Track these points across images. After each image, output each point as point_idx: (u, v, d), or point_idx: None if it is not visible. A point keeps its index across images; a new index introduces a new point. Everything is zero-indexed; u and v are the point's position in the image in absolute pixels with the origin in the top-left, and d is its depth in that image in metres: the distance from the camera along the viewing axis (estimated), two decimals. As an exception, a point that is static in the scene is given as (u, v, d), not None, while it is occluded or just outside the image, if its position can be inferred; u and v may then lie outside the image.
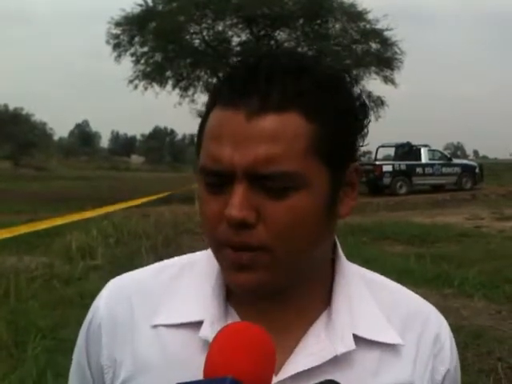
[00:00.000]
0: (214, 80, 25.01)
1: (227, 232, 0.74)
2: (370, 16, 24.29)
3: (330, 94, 0.76)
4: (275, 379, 0.77)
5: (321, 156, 0.75)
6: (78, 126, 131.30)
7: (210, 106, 0.79)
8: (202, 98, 25.83)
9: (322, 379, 0.74)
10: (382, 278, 0.91)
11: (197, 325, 0.81)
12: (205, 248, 0.89)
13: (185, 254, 0.94)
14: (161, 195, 13.03)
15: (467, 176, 23.53)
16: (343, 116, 0.77)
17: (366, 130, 0.81)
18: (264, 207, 0.74)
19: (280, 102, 0.73)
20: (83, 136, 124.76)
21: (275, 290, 0.79)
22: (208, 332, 0.78)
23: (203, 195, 0.77)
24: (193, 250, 0.94)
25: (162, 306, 0.84)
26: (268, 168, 0.72)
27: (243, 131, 0.73)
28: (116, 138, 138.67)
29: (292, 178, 0.73)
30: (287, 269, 0.77)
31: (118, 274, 0.92)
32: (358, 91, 0.81)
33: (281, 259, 0.75)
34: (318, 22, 24.48)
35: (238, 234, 0.74)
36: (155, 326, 0.83)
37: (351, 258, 0.89)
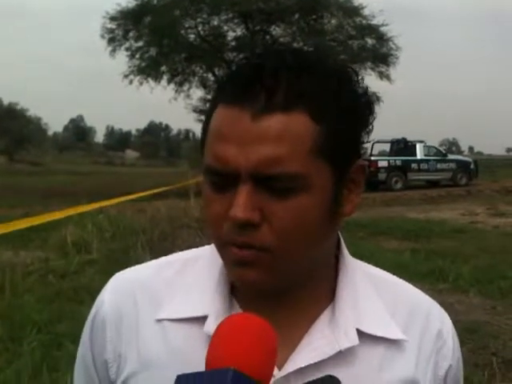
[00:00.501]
0: (210, 75, 24.98)
1: (231, 231, 0.74)
2: (366, 11, 24.30)
3: (335, 92, 0.76)
4: (279, 374, 0.77)
5: (325, 156, 0.75)
6: (72, 120, 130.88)
7: (214, 103, 0.78)
8: (198, 93, 25.91)
9: (325, 374, 0.75)
10: (386, 273, 0.92)
11: (201, 320, 0.81)
12: (201, 243, 0.90)
13: (181, 248, 0.94)
14: (160, 189, 13.02)
15: (462, 172, 23.57)
16: (348, 114, 0.76)
17: (370, 127, 0.80)
18: (268, 207, 0.74)
19: (286, 101, 0.73)
20: (78, 131, 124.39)
21: (277, 288, 0.79)
22: (212, 327, 0.77)
23: (208, 194, 0.77)
24: (189, 244, 0.95)
25: (167, 300, 0.84)
26: (273, 169, 0.72)
27: (249, 131, 0.73)
28: (111, 133, 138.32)
29: (296, 179, 0.73)
30: (288, 269, 0.77)
31: (114, 268, 0.92)
32: (364, 87, 0.80)
33: (282, 260, 0.75)
34: (314, 17, 24.45)
35: (242, 233, 0.74)
36: (159, 321, 0.83)
37: (347, 253, 0.89)
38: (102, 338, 0.85)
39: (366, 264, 0.91)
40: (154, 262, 0.91)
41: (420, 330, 0.86)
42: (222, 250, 0.78)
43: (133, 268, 0.91)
